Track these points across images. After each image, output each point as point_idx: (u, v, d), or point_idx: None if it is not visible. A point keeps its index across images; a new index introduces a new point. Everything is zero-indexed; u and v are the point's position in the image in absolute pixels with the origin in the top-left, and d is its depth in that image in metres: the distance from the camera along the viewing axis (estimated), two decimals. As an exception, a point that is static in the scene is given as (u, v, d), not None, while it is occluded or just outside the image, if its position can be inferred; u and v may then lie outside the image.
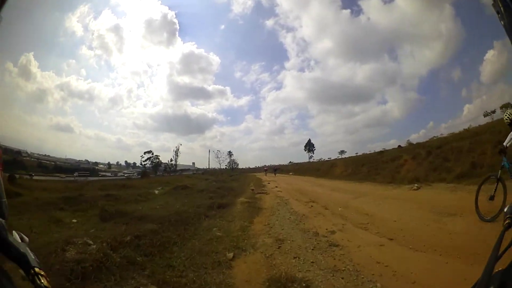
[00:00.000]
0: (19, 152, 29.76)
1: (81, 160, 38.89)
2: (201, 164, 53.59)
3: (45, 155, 34.50)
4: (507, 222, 0.89)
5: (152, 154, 44.52)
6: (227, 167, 54.90)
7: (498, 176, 6.55)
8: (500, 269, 0.74)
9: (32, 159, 31.90)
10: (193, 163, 52.33)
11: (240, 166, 58.69)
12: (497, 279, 0.71)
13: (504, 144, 6.32)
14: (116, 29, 53.97)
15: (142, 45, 60.24)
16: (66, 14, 42.56)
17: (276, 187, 21.85)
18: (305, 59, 61.17)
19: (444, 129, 33.61)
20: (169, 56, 62.69)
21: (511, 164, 6.32)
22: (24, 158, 30.30)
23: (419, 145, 24.95)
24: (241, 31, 66.40)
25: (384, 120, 51.69)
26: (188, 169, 49.40)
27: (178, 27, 59.19)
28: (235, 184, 23.58)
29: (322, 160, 54.30)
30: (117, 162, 44.70)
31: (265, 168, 54.59)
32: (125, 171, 42.63)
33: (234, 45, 71.96)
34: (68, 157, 37.42)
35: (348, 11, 54.75)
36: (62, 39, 42.79)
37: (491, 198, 6.63)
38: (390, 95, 53.37)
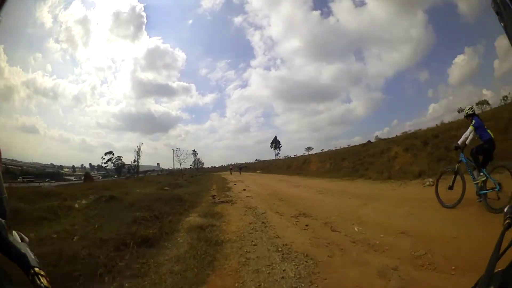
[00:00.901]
0: None
1: (47, 164, 37.36)
2: (166, 165, 50.34)
3: (12, 159, 31.89)
4: (507, 222, 0.88)
5: (113, 154, 42.18)
6: (191, 167, 53.03)
7: (456, 169, 7.20)
8: (500, 268, 0.72)
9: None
10: (158, 164, 49.54)
11: (206, 165, 57.11)
12: (498, 278, 0.70)
13: (459, 142, 7.05)
14: (84, 21, 47.99)
15: (108, 38, 57.79)
16: (38, 3, 41.40)
17: (245, 190, 16.58)
18: (272, 57, 57.91)
19: (408, 126, 34.05)
20: (134, 51, 61.45)
21: (468, 159, 6.94)
22: None
23: (408, 135, 22.08)
24: (209, 27, 58.88)
25: (348, 118, 50.48)
26: (153, 170, 46.82)
27: (145, 21, 53.13)
28: (192, 189, 18.05)
29: (289, 157, 51.30)
30: (82, 165, 42.12)
31: (230, 167, 51.83)
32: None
33: (200, 41, 63.87)
34: (34, 161, 35.65)
35: (318, 12, 51.07)
36: (31, 31, 41.65)
37: (450, 188, 7.24)
38: (355, 94, 53.13)
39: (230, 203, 11.53)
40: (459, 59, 34.52)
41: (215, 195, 14.48)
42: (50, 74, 43.59)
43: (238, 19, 58.23)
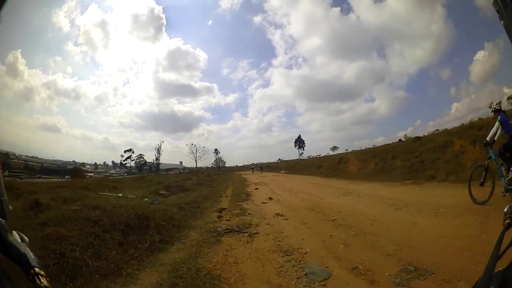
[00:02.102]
0: (7, 154, 27.23)
1: (68, 161, 37.19)
2: (189, 163, 47.17)
3: (33, 156, 32.79)
4: (507, 222, 0.86)
5: (133, 152, 40.90)
6: (213, 166, 51.50)
7: (486, 166, 6.99)
8: (500, 268, 0.70)
9: (20, 161, 30.06)
10: (181, 162, 47.89)
11: (228, 165, 55.02)
12: (498, 278, 0.68)
13: (487, 138, 6.85)
14: (103, 25, 48.45)
15: (128, 40, 57.34)
16: (54, 9, 42.16)
17: (271, 199, 10.99)
18: (293, 56, 57.29)
19: (431, 127, 33.20)
20: (155, 52, 61.24)
21: (497, 155, 6.70)
22: (12, 160, 28.39)
23: (470, 125, 17.00)
24: (229, 27, 59.06)
25: (371, 118, 49.51)
26: (176, 168, 45.47)
27: (165, 22, 53.10)
28: (197, 194, 12.74)
29: (312, 157, 50.21)
30: (104, 162, 41.47)
31: (251, 166, 50.12)
32: (111, 171, 39.51)
33: (221, 41, 64.73)
34: (55, 158, 36.08)
35: (338, 9, 50.74)
36: (49, 35, 42.32)
37: (481, 184, 6.95)
38: (378, 93, 52.66)
39: (246, 233, 5.85)
40: (480, 55, 33.58)
41: (224, 208, 8.96)
42: (71, 75, 44.27)
43: (257, 18, 58.50)
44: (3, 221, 0.83)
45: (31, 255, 0.77)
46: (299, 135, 55.02)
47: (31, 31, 39.49)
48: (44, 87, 39.72)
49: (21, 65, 36.13)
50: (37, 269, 0.73)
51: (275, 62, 64.08)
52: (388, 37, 51.05)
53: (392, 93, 47.51)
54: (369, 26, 50.22)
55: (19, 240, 0.83)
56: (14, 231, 0.85)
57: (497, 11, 0.89)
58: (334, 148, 47.82)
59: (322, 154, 48.66)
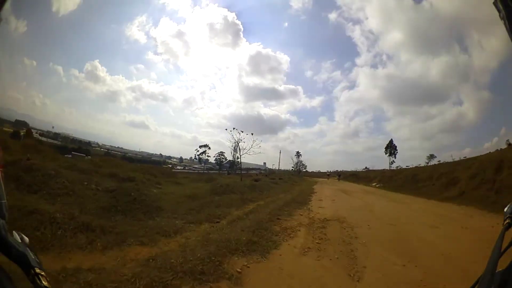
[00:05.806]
0: (89, 143, 31.95)
1: (155, 153, 40.69)
2: (271, 165, 48.69)
3: (118, 147, 36.74)
4: (507, 222, 0.83)
5: (209, 148, 41.08)
6: (293, 169, 50.23)
7: None
8: (500, 268, 0.69)
9: (102, 149, 33.46)
10: (264, 163, 47.62)
11: (310, 169, 52.24)
12: (498, 278, 0.67)
13: None
14: (179, 35, 52.15)
15: (208, 48, 61.40)
16: (124, 25, 46.02)
17: None
18: (376, 53, 56.27)
19: None
20: (237, 58, 65.37)
21: None
22: (93, 147, 32.18)
23: None
24: (306, 27, 58.96)
25: (460, 124, 45.93)
26: (259, 168, 44.66)
27: (241, 28, 55.90)
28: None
29: (400, 167, 40.94)
30: (191, 157, 43.50)
31: (327, 173, 46.52)
32: (195, 166, 41.51)
33: (300, 42, 57.52)
34: (141, 150, 39.12)
35: None
36: (126, 47, 46.79)
37: None
38: (465, 93, 50.22)
39: None
40: None
41: None
42: (156, 81, 53.36)
43: (333, 15, 58.35)
44: (3, 221, 0.78)
45: (31, 255, 0.74)
46: (391, 140, 47.51)
47: (105, 44, 45.85)
48: (129, 90, 44.59)
49: (102, 72, 42.20)
50: (37, 269, 0.70)
51: (358, 61, 60.78)
52: (463, 25, 45.14)
53: (477, 94, 43.98)
54: (443, 13, 45.91)
55: (19, 240, 0.79)
56: (14, 231, 0.81)
57: (498, 11, 0.85)
58: (431, 156, 39.67)
59: (413, 165, 38.19)
